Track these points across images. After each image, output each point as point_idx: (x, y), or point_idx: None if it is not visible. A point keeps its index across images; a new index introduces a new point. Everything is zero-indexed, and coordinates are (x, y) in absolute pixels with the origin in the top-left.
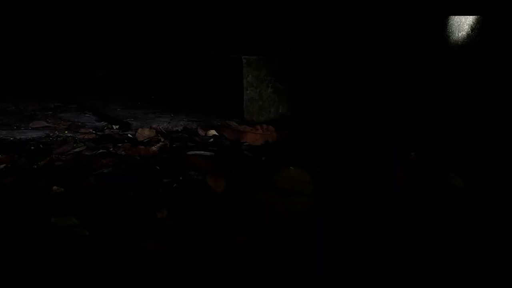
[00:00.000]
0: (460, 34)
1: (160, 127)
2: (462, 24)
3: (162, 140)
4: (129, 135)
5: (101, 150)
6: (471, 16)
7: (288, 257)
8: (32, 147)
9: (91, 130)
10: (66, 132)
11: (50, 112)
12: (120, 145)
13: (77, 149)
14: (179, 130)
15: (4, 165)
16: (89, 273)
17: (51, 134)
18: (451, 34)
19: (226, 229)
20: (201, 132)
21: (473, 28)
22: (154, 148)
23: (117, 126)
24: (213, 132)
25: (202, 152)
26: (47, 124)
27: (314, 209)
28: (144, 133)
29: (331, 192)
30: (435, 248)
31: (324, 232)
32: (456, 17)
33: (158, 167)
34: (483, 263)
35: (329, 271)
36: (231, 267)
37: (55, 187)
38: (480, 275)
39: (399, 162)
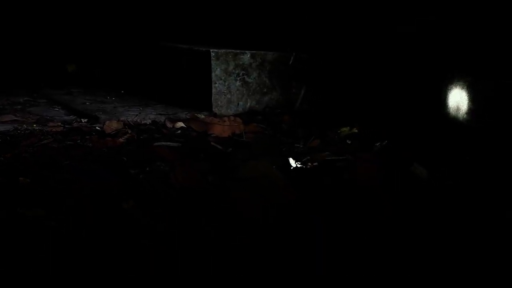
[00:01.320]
0: None
1: (128, 120)
2: None
3: (129, 132)
4: (97, 127)
5: (68, 143)
6: None
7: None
8: None
9: (59, 124)
10: (35, 125)
11: (19, 107)
12: (87, 137)
13: (44, 141)
14: (148, 123)
15: None
16: (52, 262)
17: (19, 128)
18: None
19: (210, 225)
20: (168, 124)
21: None
22: (121, 139)
23: (85, 120)
24: (180, 124)
25: (169, 143)
26: (15, 118)
27: (296, 204)
28: (112, 125)
29: (307, 187)
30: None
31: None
32: None
33: (125, 158)
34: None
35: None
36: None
37: (21, 178)
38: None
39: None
